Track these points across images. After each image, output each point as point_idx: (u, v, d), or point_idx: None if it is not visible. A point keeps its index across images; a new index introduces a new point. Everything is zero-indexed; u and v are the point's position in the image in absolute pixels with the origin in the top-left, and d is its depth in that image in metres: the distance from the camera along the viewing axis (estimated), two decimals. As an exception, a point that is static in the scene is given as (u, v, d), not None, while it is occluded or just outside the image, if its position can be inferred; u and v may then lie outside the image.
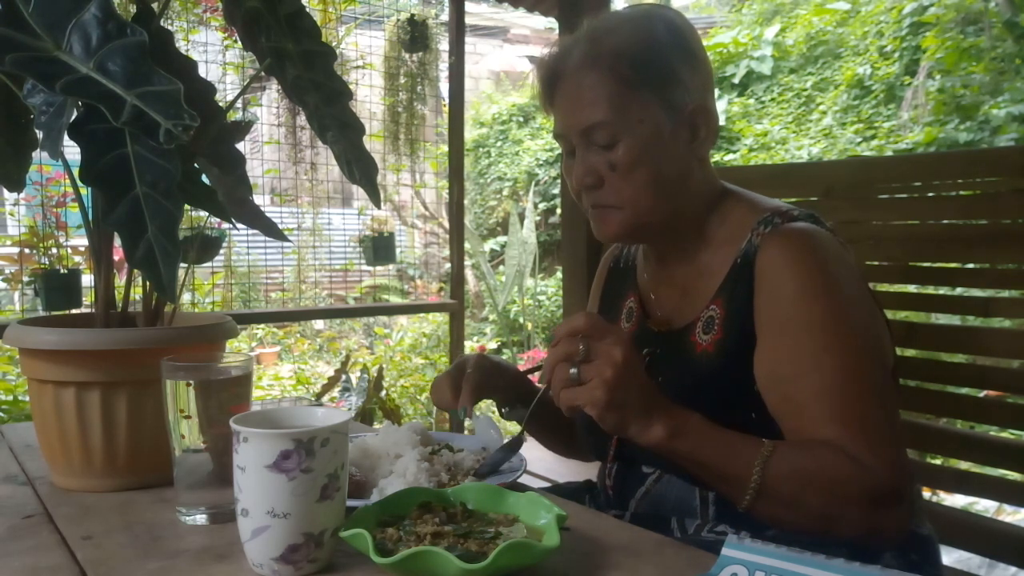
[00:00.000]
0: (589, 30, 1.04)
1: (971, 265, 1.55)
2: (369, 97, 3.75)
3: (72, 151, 0.86)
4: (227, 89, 3.45)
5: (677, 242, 1.09)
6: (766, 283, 0.97)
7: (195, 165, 1.00)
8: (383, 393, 3.76)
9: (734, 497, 0.91)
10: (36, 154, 1.03)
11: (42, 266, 2.72)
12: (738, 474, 0.88)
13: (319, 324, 6.77)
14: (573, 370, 0.86)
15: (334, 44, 3.45)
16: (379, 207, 1.16)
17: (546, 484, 1.28)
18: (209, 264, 3.62)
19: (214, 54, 3.38)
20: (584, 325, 0.87)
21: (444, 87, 3.68)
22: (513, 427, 1.13)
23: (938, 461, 1.76)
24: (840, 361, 0.92)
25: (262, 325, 6.03)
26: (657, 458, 0.99)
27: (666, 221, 1.05)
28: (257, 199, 1.31)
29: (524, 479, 0.98)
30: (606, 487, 1.13)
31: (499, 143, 8.42)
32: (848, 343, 0.93)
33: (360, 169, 1.06)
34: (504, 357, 6.27)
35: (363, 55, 3.77)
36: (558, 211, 6.43)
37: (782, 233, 0.99)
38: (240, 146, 1.10)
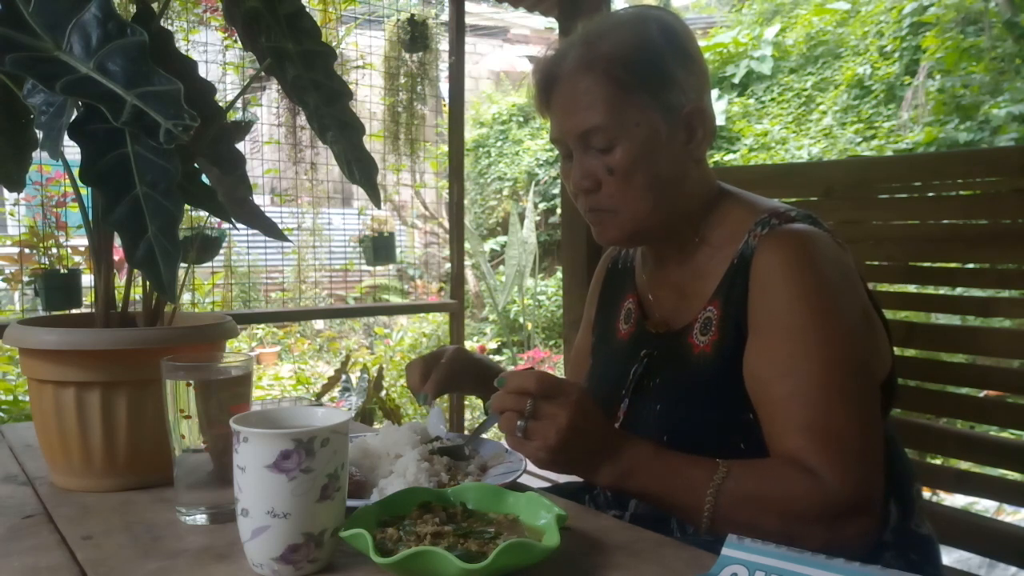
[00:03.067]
0: (584, 34, 1.04)
1: (971, 265, 1.55)
2: (369, 97, 3.74)
3: (72, 151, 0.86)
4: (227, 89, 3.45)
5: (675, 243, 1.09)
6: (759, 284, 0.97)
7: (195, 165, 1.00)
8: (383, 393, 3.76)
9: (692, 523, 0.91)
10: (36, 154, 1.03)
11: (42, 266, 2.72)
12: (691, 504, 0.88)
13: (319, 324, 6.77)
14: (520, 422, 0.88)
15: (334, 44, 3.45)
16: (379, 207, 1.16)
17: (546, 484, 1.28)
18: (209, 264, 3.62)
19: (214, 54, 3.38)
20: (534, 388, 0.87)
21: (444, 87, 3.68)
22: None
23: (938, 461, 1.76)
24: (815, 368, 0.91)
25: (262, 325, 6.03)
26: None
27: (664, 223, 1.05)
28: (257, 199, 1.31)
29: (524, 479, 0.98)
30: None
31: (499, 143, 8.42)
32: (828, 350, 0.92)
33: (360, 169, 1.06)
34: (504, 357, 6.27)
35: (363, 55, 3.77)
36: (558, 211, 6.43)
37: (778, 235, 0.99)
38: (240, 146, 1.10)
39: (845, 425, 0.90)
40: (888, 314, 1.10)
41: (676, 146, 1.02)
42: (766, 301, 0.96)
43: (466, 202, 6.82)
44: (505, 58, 10.01)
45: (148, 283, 0.96)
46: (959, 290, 2.71)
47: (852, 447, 0.89)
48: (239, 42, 1.35)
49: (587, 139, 1.02)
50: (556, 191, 7.28)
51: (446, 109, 3.59)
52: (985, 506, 2.58)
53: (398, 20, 3.63)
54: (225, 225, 2.01)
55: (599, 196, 1.04)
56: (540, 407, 0.87)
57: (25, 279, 2.91)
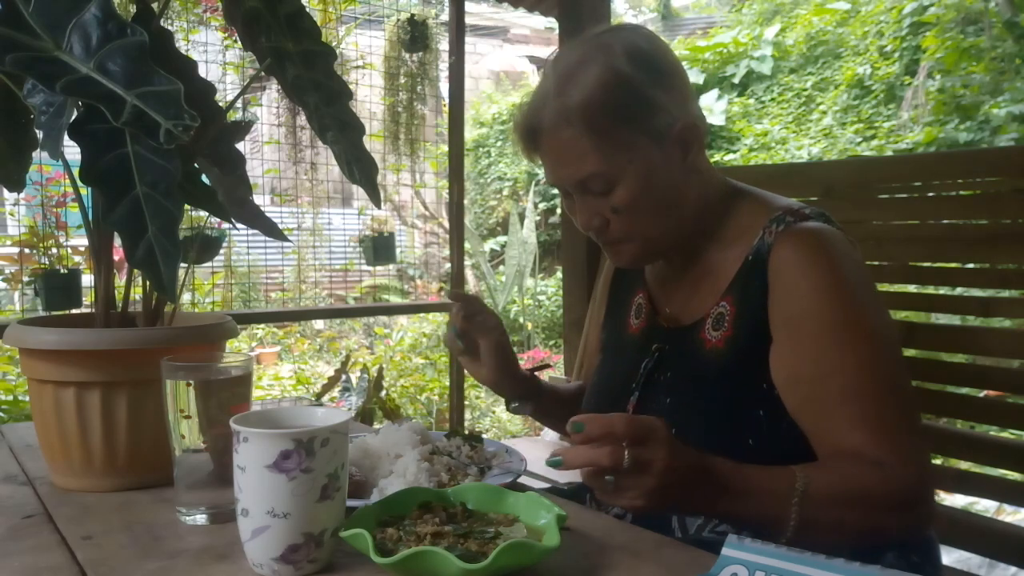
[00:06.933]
0: (555, 84, 1.00)
1: (971, 265, 1.55)
2: (369, 97, 3.74)
3: (72, 151, 0.86)
4: (227, 89, 3.45)
5: (686, 242, 1.09)
6: (781, 282, 0.97)
7: (195, 165, 1.00)
8: (383, 393, 3.76)
9: (773, 535, 0.87)
10: (36, 154, 1.03)
11: (42, 266, 2.72)
12: (777, 516, 0.86)
13: (319, 324, 6.77)
14: (609, 477, 0.79)
15: (334, 44, 3.45)
16: (379, 207, 1.16)
17: (546, 484, 1.28)
18: (209, 264, 3.62)
19: (214, 54, 3.38)
20: (622, 431, 0.78)
21: (444, 87, 3.68)
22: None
23: (938, 461, 1.76)
24: (861, 360, 0.93)
25: (262, 325, 6.03)
26: None
27: (676, 236, 1.06)
28: (257, 199, 1.31)
29: (524, 479, 0.98)
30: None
31: (499, 143, 8.42)
32: (867, 342, 0.94)
33: (360, 169, 1.06)
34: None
35: (363, 55, 3.77)
36: (558, 211, 6.42)
37: (796, 232, 0.99)
38: (240, 146, 1.10)
39: (899, 415, 0.92)
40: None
41: (673, 166, 1.02)
42: (792, 300, 0.96)
43: (466, 202, 6.81)
44: (505, 58, 10.01)
45: (148, 283, 0.96)
46: (959, 290, 2.71)
47: (908, 436, 0.91)
48: (239, 42, 1.35)
49: (585, 185, 1.02)
50: (556, 191, 7.27)
51: (446, 109, 3.58)
52: (985, 506, 2.58)
53: (398, 20, 3.63)
54: (225, 225, 2.01)
55: (610, 231, 1.04)
56: (633, 454, 0.78)
57: (25, 279, 2.91)
